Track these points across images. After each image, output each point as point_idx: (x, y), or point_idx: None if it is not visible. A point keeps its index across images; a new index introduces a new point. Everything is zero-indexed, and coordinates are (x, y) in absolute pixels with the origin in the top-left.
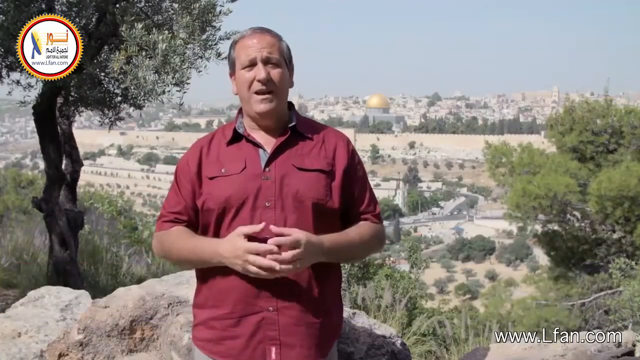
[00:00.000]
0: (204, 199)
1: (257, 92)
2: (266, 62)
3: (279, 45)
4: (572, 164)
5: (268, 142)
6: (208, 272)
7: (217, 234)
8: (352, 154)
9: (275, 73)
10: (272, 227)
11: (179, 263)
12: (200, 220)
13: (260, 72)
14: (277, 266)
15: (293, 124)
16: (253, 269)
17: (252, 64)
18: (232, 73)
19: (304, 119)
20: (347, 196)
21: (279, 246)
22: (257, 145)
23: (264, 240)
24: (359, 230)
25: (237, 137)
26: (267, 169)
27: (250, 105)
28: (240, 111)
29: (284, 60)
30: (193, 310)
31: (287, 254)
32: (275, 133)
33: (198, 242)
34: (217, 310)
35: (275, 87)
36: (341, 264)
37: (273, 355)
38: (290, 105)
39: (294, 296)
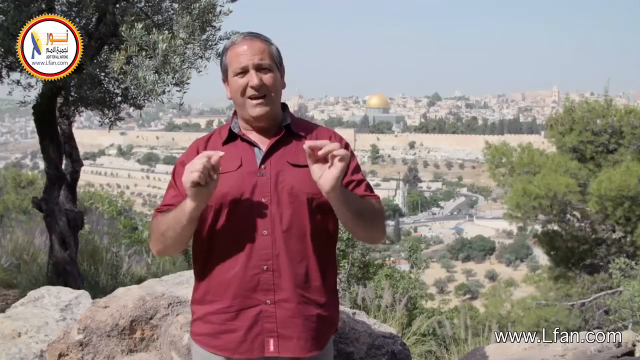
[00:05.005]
0: None
1: (251, 97)
2: (258, 68)
3: (269, 50)
4: (572, 164)
5: (263, 142)
6: (207, 268)
7: (213, 230)
8: (345, 148)
9: (267, 77)
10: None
11: (165, 237)
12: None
13: (253, 78)
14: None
15: (287, 122)
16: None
17: (244, 71)
18: (225, 79)
19: (298, 119)
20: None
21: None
22: (252, 144)
23: None
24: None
25: (232, 136)
26: (262, 166)
27: (245, 109)
28: (235, 112)
29: (275, 64)
30: (191, 307)
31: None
32: (270, 133)
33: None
34: (215, 305)
35: (269, 91)
36: (340, 263)
37: (271, 347)
38: (284, 106)
39: (290, 289)
